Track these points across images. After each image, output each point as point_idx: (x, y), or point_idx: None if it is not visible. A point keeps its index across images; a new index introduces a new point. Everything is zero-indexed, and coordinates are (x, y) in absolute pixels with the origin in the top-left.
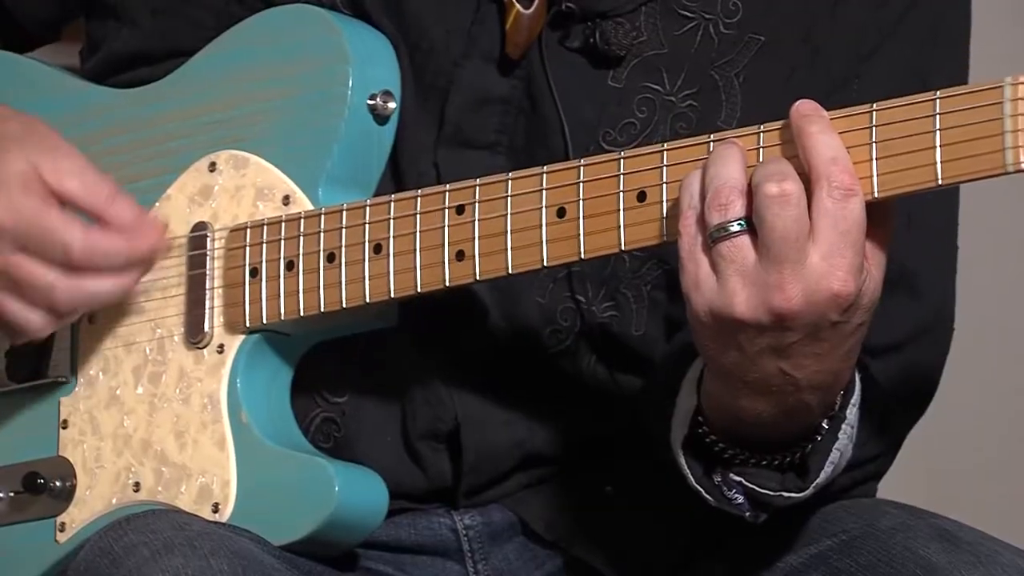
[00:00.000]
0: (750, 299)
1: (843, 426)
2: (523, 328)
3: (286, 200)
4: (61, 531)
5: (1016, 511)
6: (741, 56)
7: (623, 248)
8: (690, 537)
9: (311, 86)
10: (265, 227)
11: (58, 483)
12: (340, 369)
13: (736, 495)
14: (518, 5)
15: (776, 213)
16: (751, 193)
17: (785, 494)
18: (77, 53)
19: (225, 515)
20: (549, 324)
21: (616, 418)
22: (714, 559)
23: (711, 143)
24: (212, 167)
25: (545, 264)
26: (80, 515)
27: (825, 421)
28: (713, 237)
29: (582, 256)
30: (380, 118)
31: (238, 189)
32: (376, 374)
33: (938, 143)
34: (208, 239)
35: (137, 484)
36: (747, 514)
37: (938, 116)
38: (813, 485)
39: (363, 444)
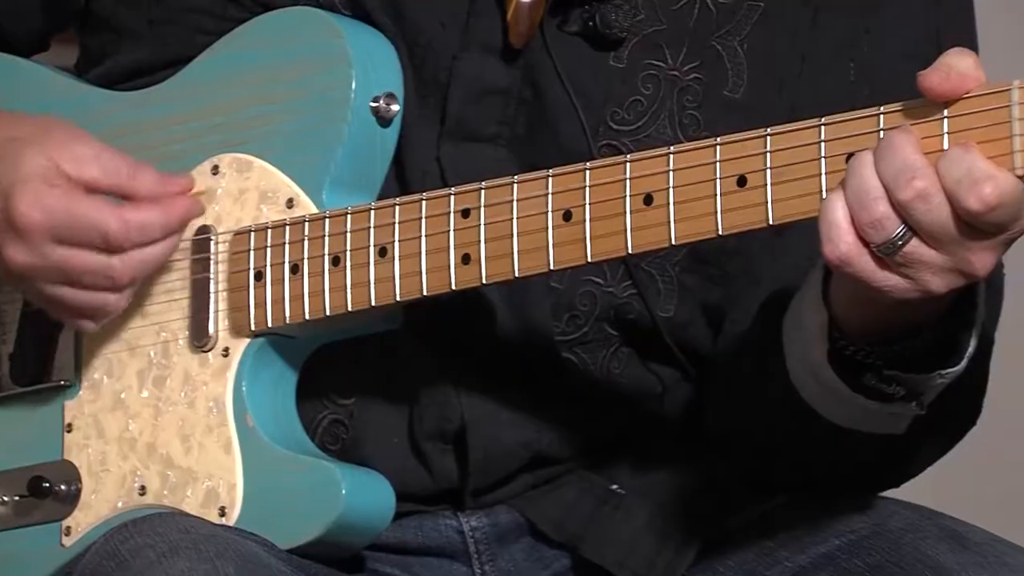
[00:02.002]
0: (946, 281)
1: (978, 289)
2: (535, 320)
3: (290, 203)
4: (67, 535)
5: None
6: (742, 24)
7: (630, 252)
8: (698, 536)
9: (314, 89)
10: (269, 231)
11: (63, 487)
12: (347, 371)
13: (896, 388)
14: None
15: (924, 211)
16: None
17: (943, 371)
18: (72, 60)
19: (232, 519)
20: (568, 310)
21: (623, 416)
22: (723, 558)
23: (718, 146)
24: (215, 170)
25: (551, 268)
26: (86, 519)
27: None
28: (883, 252)
29: (588, 260)
30: (383, 120)
31: (241, 192)
32: (383, 375)
33: (947, 147)
34: (212, 242)
35: (143, 488)
36: (913, 405)
37: (946, 119)
38: (967, 356)
39: (371, 445)
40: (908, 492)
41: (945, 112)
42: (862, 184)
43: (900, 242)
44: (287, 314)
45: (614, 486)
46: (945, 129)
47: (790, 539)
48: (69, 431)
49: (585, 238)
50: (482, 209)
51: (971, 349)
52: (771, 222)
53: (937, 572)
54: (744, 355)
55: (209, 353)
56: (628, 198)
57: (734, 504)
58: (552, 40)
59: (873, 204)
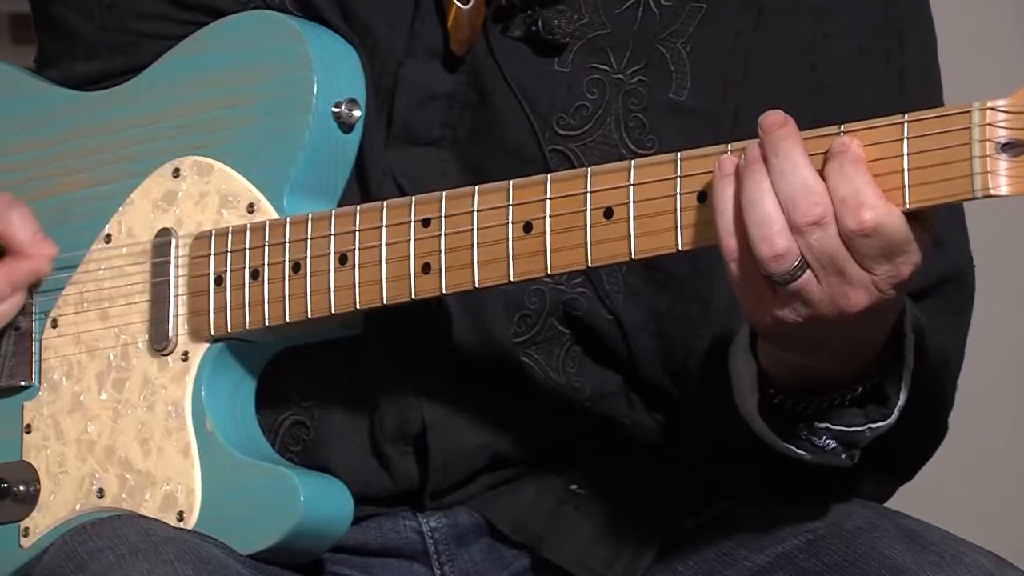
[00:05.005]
0: (825, 310)
1: (906, 343)
2: (491, 323)
3: (251, 208)
4: (25, 536)
5: (982, 511)
6: (685, 26)
7: (590, 265)
8: (657, 536)
9: (275, 93)
10: (230, 235)
11: (22, 488)
12: (310, 373)
13: (828, 441)
14: (457, 2)
15: (819, 238)
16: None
17: (872, 426)
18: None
19: (190, 523)
20: (518, 310)
21: (582, 417)
22: (682, 558)
23: (679, 161)
24: (176, 173)
25: (512, 279)
26: (44, 520)
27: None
28: (777, 282)
29: (548, 272)
30: (345, 126)
31: (202, 196)
32: (345, 377)
33: (906, 167)
34: (172, 246)
35: (101, 491)
36: (843, 456)
37: (906, 140)
38: (896, 409)
39: (332, 447)
40: None
41: (905, 133)
42: (768, 212)
43: (799, 272)
44: (247, 320)
45: (573, 486)
46: (905, 150)
47: (749, 539)
48: (28, 432)
49: (546, 250)
50: (443, 219)
51: (901, 401)
52: None
53: (894, 571)
54: (700, 389)
55: (168, 357)
56: (589, 211)
57: (693, 504)
58: (496, 46)
59: (774, 237)
